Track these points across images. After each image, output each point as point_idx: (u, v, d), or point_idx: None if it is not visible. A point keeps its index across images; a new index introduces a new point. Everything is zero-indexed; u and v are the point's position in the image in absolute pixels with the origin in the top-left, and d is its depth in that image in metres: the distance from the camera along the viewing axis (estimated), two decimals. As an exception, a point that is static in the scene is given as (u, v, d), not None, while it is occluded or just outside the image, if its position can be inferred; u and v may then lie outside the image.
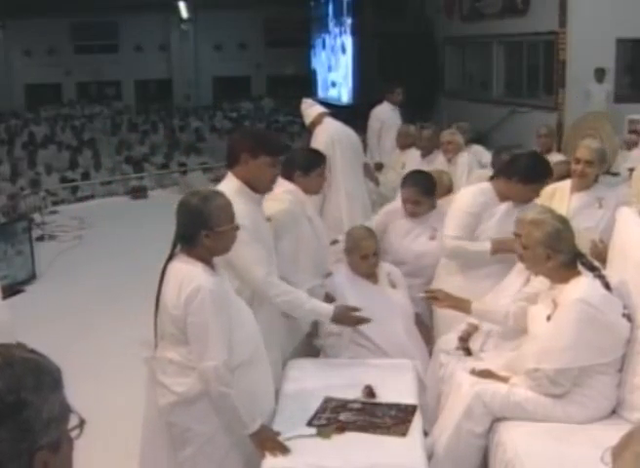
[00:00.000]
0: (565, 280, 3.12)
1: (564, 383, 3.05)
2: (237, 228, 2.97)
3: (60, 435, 1.20)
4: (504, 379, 3.21)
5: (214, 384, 2.83)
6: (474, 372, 3.31)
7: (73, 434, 1.23)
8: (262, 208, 3.54)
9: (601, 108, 11.40)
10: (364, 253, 4.07)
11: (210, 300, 2.81)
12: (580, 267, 3.15)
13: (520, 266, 3.72)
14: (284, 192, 3.96)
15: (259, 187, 3.43)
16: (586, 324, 2.99)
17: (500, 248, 3.92)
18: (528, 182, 3.97)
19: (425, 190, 4.54)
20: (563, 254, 3.11)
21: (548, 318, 3.12)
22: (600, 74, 11.91)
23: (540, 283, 3.39)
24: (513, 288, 3.68)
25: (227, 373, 2.83)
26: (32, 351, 1.26)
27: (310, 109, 6.20)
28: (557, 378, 3.04)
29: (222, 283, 2.95)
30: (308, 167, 4.22)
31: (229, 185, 3.40)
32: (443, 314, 4.10)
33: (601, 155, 4.54)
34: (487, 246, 3.95)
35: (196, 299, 2.80)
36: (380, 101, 8.60)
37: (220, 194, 3.00)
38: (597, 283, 3.09)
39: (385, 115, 8.33)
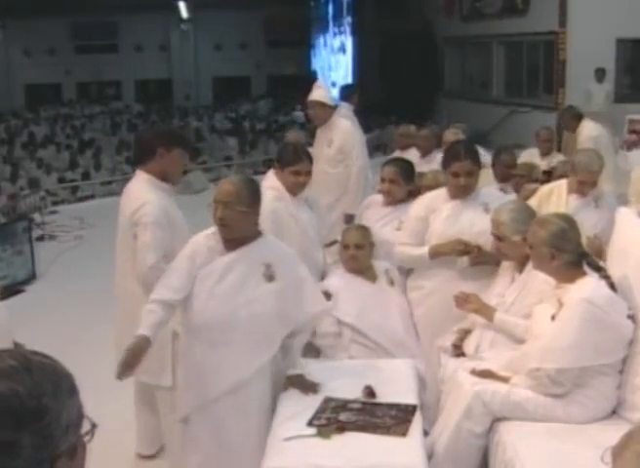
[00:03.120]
0: (570, 280, 3.12)
1: (565, 383, 3.05)
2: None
3: (76, 441, 1.19)
4: (505, 379, 3.21)
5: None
6: (474, 373, 3.31)
7: (85, 439, 1.22)
8: (173, 199, 3.78)
9: (601, 108, 11.40)
10: (345, 243, 4.13)
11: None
12: (586, 267, 3.16)
13: (505, 265, 3.73)
14: (267, 187, 4.00)
15: (171, 178, 3.71)
16: (591, 324, 2.99)
17: (437, 252, 3.93)
18: (444, 166, 4.00)
19: (403, 172, 4.57)
20: (567, 254, 3.11)
21: (553, 317, 3.12)
22: (600, 74, 11.93)
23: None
24: (499, 287, 3.69)
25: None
26: (44, 355, 1.24)
27: (328, 94, 5.97)
28: (558, 378, 3.04)
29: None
30: (282, 162, 4.13)
31: (141, 179, 3.71)
32: (418, 318, 4.12)
33: (601, 169, 4.60)
34: (424, 250, 3.96)
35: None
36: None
37: None
38: (603, 283, 3.10)
39: (350, 115, 8.28)
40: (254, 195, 3.17)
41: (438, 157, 6.75)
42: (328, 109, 5.87)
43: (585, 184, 4.55)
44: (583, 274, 3.13)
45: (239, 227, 3.13)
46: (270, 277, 3.15)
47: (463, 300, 3.69)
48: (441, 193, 4.07)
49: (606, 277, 3.14)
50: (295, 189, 4.13)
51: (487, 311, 3.59)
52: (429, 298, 4.04)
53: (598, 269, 3.17)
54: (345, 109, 8.16)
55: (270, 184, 4.07)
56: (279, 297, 3.16)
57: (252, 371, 3.16)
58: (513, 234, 3.55)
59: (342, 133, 5.74)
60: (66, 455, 1.16)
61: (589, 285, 3.08)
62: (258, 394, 3.21)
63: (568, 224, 3.18)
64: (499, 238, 3.63)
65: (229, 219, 3.09)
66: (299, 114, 21.33)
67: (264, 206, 3.84)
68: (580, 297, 3.02)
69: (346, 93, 8.59)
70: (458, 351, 3.68)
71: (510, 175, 5.57)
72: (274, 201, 3.97)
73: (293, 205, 4.09)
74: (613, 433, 2.88)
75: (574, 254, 3.13)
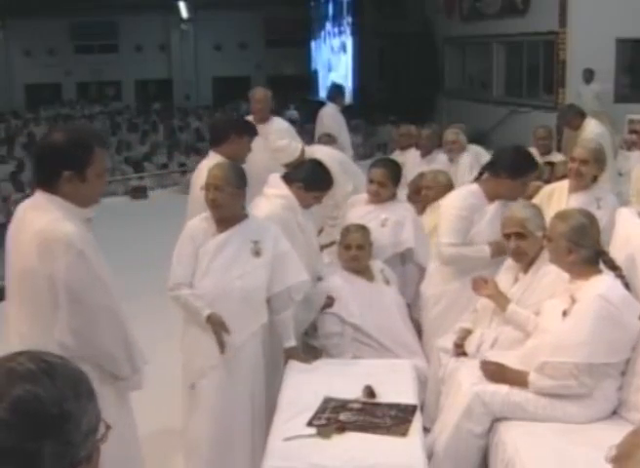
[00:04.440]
0: (585, 276, 3.12)
1: (588, 383, 3.03)
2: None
3: (93, 445, 1.14)
4: (521, 375, 3.14)
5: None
6: (487, 365, 3.25)
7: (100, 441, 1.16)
8: None
9: (590, 108, 11.39)
10: (347, 244, 4.14)
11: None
12: (602, 266, 3.16)
13: (508, 265, 3.71)
14: (277, 196, 3.98)
15: (239, 161, 4.17)
16: (604, 320, 2.99)
17: (499, 250, 3.87)
18: (517, 177, 3.92)
19: (392, 174, 4.58)
20: (585, 250, 3.12)
21: (564, 313, 3.11)
22: (588, 75, 11.93)
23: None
24: (501, 286, 3.66)
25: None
26: (61, 357, 1.17)
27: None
28: (582, 376, 3.01)
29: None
30: (310, 185, 4.02)
31: (216, 159, 4.15)
32: (432, 319, 4.13)
33: (596, 154, 4.52)
34: (486, 250, 3.90)
35: None
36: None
37: None
38: (618, 282, 3.11)
39: (336, 115, 8.29)
40: (240, 178, 3.50)
41: (439, 157, 6.78)
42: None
43: (575, 161, 4.49)
44: (599, 272, 3.13)
45: (229, 207, 3.46)
46: (257, 252, 3.47)
47: (480, 285, 3.64)
48: (476, 191, 4.00)
49: (621, 276, 3.14)
50: (309, 206, 4.12)
51: (501, 300, 3.55)
52: (444, 300, 4.05)
53: (614, 268, 3.17)
54: (331, 109, 8.25)
55: (279, 193, 3.99)
56: (267, 270, 3.49)
57: (243, 338, 3.42)
58: (537, 229, 3.51)
59: None
60: (85, 461, 1.11)
61: (605, 282, 3.08)
62: (251, 359, 3.48)
63: (588, 220, 3.18)
64: (522, 236, 3.54)
65: (220, 200, 3.42)
66: (292, 113, 21.36)
67: (274, 214, 3.85)
68: (596, 294, 3.02)
69: (331, 94, 8.71)
70: (459, 350, 3.68)
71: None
72: (284, 210, 3.93)
73: (301, 215, 4.05)
74: (613, 433, 2.88)
75: (591, 251, 3.13)
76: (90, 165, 2.55)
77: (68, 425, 1.07)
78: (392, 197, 4.62)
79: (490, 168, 4.05)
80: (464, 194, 4.06)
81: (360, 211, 4.61)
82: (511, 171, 3.91)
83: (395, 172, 4.62)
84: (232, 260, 3.43)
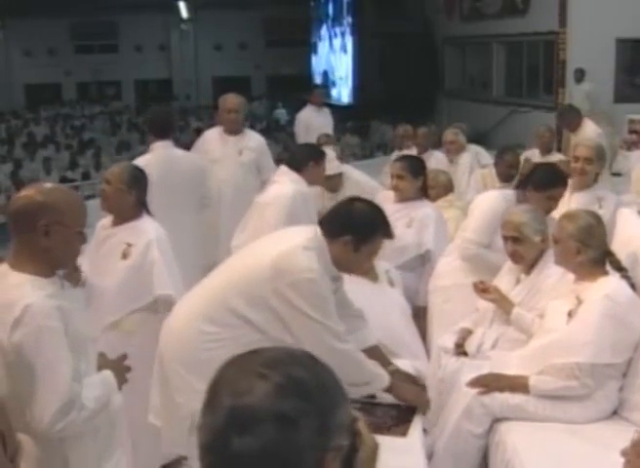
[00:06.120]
0: (592, 277, 3.12)
1: (590, 384, 3.02)
2: None
3: (339, 445, 1.21)
4: (522, 380, 3.13)
5: None
6: (481, 379, 3.21)
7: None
8: None
9: (581, 108, 11.39)
10: None
11: None
12: (608, 267, 3.17)
13: (509, 265, 3.70)
14: (290, 180, 4.20)
15: None
16: (610, 320, 2.99)
17: None
18: (540, 190, 3.93)
19: (410, 168, 4.63)
20: (592, 250, 3.12)
21: (570, 314, 3.11)
22: (579, 75, 11.92)
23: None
24: (503, 287, 3.65)
25: None
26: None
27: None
28: (584, 377, 3.00)
29: None
30: (320, 156, 4.42)
31: None
32: (439, 314, 4.12)
33: (599, 152, 4.55)
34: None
35: None
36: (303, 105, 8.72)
37: None
38: (624, 283, 3.12)
39: (309, 118, 8.28)
40: (134, 180, 3.58)
41: (434, 156, 6.78)
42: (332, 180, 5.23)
43: (578, 160, 4.50)
44: (606, 273, 3.14)
45: (114, 203, 3.58)
46: (126, 255, 3.53)
47: (482, 290, 3.63)
48: (510, 197, 4.04)
49: (627, 277, 3.15)
50: (322, 179, 4.54)
51: (505, 303, 3.54)
52: (457, 296, 4.07)
53: (620, 269, 3.18)
54: (308, 111, 8.31)
55: (292, 178, 4.24)
56: (128, 274, 3.50)
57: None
58: (535, 234, 3.50)
59: (350, 185, 5.38)
60: (332, 452, 1.19)
61: (612, 283, 3.09)
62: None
63: (595, 221, 3.19)
64: (518, 240, 3.52)
65: (107, 193, 3.58)
66: (281, 112, 21.37)
67: (292, 196, 4.14)
68: (603, 294, 3.02)
69: (309, 96, 8.77)
70: (459, 350, 3.67)
71: (513, 175, 5.58)
72: (300, 193, 4.17)
73: (310, 197, 4.28)
74: (613, 433, 2.88)
75: (598, 251, 3.14)
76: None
77: (327, 409, 1.19)
78: (419, 195, 4.65)
79: (523, 181, 4.14)
80: (500, 198, 4.09)
81: (389, 209, 4.64)
82: (535, 183, 3.96)
83: (414, 164, 4.68)
84: (104, 258, 3.57)
